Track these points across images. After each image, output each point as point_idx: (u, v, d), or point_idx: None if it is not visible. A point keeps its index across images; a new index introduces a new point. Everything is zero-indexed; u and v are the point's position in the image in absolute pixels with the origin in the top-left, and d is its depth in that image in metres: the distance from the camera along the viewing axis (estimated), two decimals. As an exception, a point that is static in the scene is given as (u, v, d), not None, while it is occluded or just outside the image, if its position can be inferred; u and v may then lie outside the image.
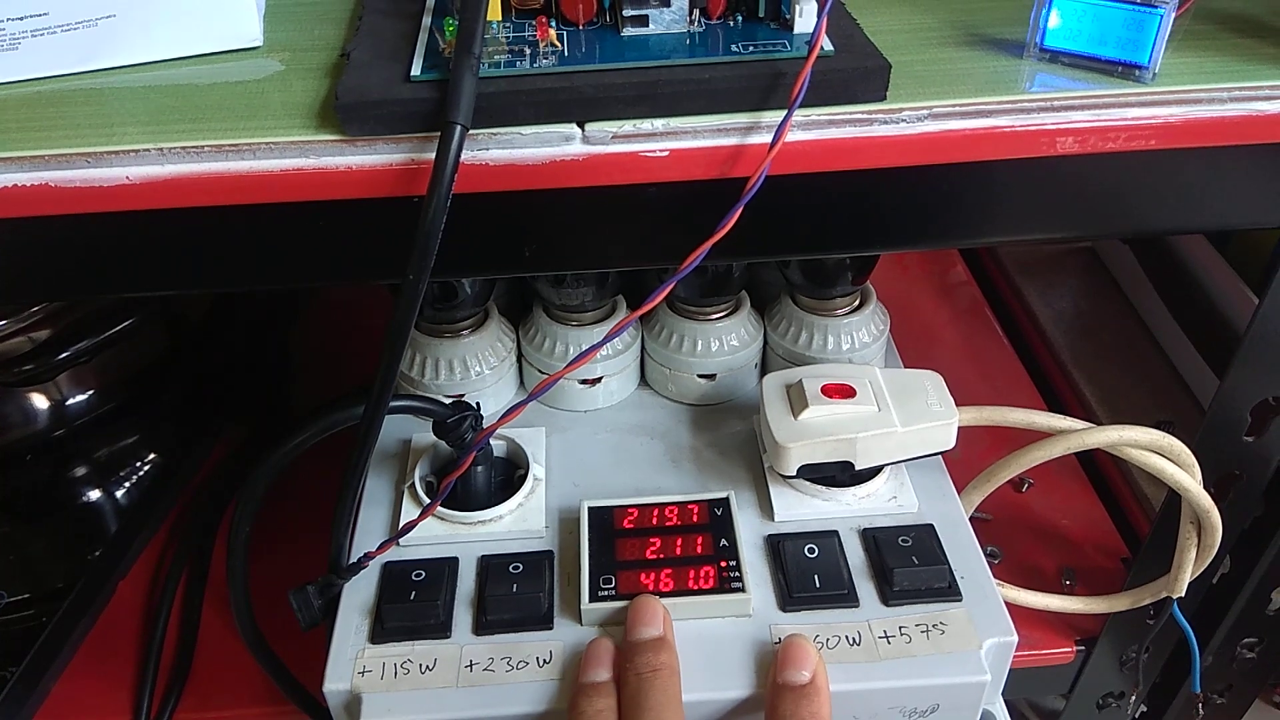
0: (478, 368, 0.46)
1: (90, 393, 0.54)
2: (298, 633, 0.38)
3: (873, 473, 0.42)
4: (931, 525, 0.41)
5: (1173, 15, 0.30)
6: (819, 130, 0.30)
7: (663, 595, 0.37)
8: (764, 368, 0.50)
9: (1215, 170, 0.32)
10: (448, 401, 0.40)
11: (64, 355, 0.52)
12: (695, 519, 0.40)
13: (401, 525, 0.39)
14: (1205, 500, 0.40)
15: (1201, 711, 0.53)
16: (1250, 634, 0.50)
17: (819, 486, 0.42)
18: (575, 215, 0.31)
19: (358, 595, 0.39)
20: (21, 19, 0.31)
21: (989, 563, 0.40)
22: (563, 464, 0.45)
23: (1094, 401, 0.59)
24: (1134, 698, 0.52)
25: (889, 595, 0.38)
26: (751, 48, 0.31)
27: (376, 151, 0.29)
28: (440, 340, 0.46)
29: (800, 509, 0.42)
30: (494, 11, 0.32)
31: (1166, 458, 0.40)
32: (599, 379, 0.48)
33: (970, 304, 0.69)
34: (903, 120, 0.30)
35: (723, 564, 0.39)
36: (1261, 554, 0.46)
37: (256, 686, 0.46)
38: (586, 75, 0.30)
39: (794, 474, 0.41)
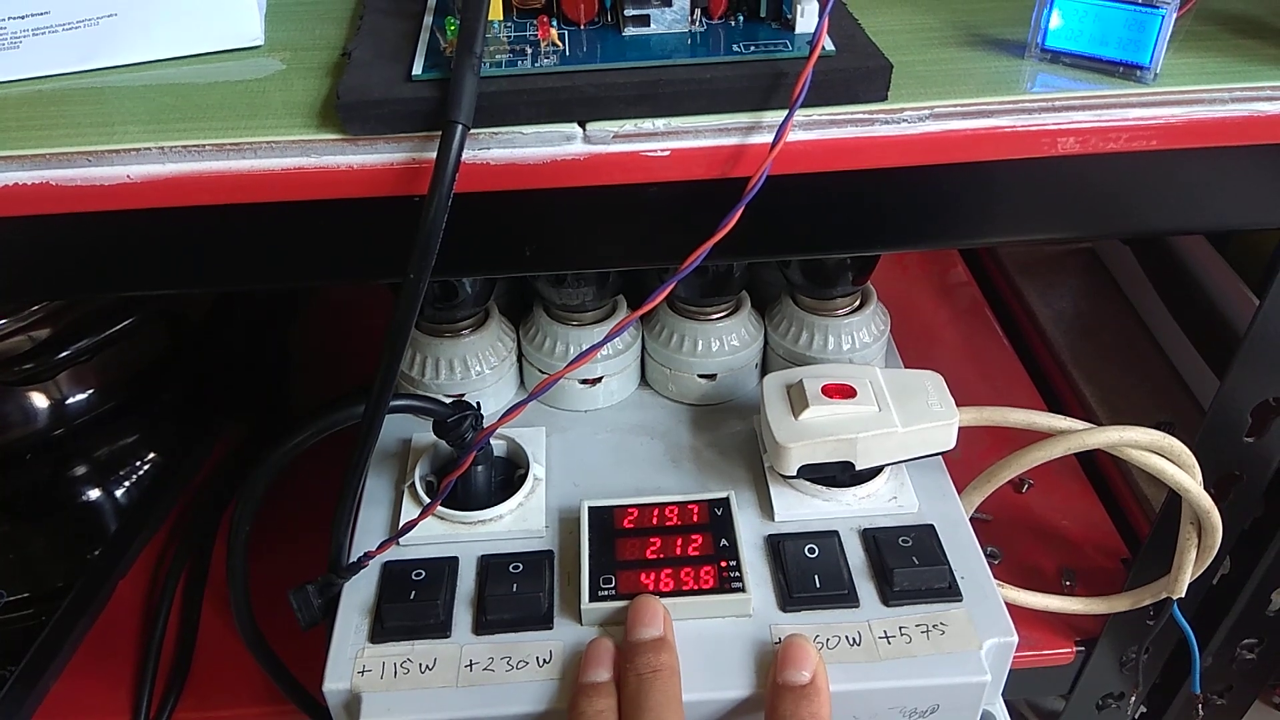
0: (478, 367, 0.46)
1: (90, 392, 0.54)
2: (297, 632, 0.38)
3: (873, 473, 0.42)
4: (932, 525, 0.41)
5: (1174, 16, 0.30)
6: (820, 130, 0.30)
7: (663, 595, 0.37)
8: (764, 368, 0.50)
9: (1216, 171, 0.32)
10: (448, 401, 0.40)
11: (64, 354, 0.52)
12: (695, 519, 0.40)
13: (401, 525, 0.39)
14: (1205, 501, 0.40)
15: (1201, 712, 0.53)
16: (1250, 635, 0.50)
17: (819, 486, 0.42)
18: (576, 215, 0.31)
19: (357, 595, 0.39)
20: (23, 18, 0.31)
21: (989, 563, 0.40)
22: (563, 464, 0.45)
23: (1094, 402, 0.59)
24: (1134, 698, 0.52)
25: (889, 595, 0.38)
26: (753, 47, 0.31)
27: (377, 151, 0.29)
28: (441, 340, 0.46)
29: (800, 509, 0.42)
30: (495, 11, 0.32)
31: (1167, 458, 0.40)
32: (599, 379, 0.48)
33: (970, 304, 0.69)
34: (904, 120, 0.30)
35: (723, 564, 0.39)
36: (1261, 555, 0.46)
37: (256, 686, 0.46)
38: (588, 75, 0.30)
39: (794, 474, 0.41)
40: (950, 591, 0.38)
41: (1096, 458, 0.57)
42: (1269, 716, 0.66)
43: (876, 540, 0.40)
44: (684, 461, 0.45)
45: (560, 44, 0.31)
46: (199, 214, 0.30)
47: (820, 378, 0.41)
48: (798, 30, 0.31)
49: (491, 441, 0.43)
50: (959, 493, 0.43)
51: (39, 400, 0.53)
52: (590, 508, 0.41)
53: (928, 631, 0.37)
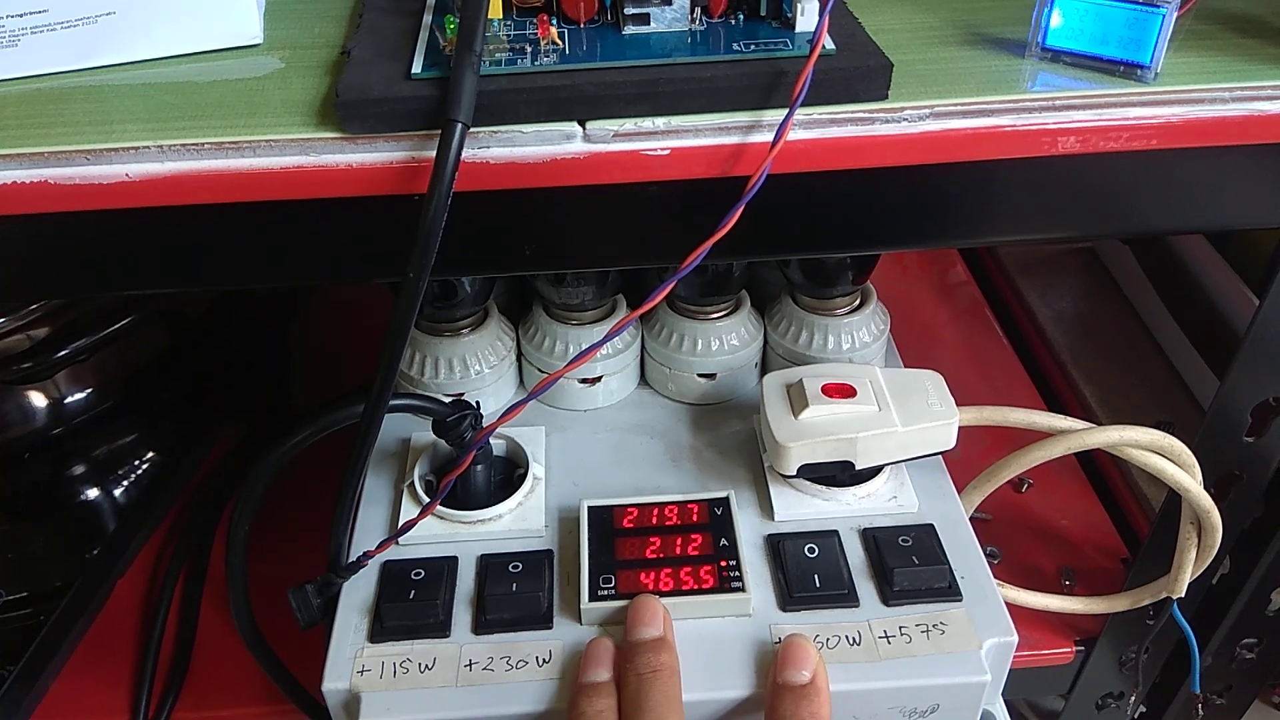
0: (477, 366, 0.46)
1: (89, 391, 0.54)
2: (296, 632, 0.38)
3: (873, 472, 0.42)
4: (932, 525, 0.41)
5: (1175, 15, 0.30)
6: (820, 129, 0.30)
7: (663, 595, 0.37)
8: (764, 367, 0.50)
9: (1217, 170, 0.32)
10: (447, 400, 0.40)
11: (63, 353, 0.52)
12: (695, 518, 0.40)
13: (401, 524, 0.39)
14: (1205, 500, 0.40)
15: (1201, 712, 0.53)
16: (1250, 634, 0.50)
17: (819, 486, 0.42)
18: (576, 214, 0.31)
19: (357, 594, 0.39)
20: (21, 16, 0.31)
21: (989, 563, 0.40)
22: (562, 463, 0.45)
23: (1094, 402, 0.59)
24: (1133, 698, 0.52)
25: (889, 595, 0.38)
26: (753, 46, 0.31)
27: (377, 149, 0.29)
28: (440, 339, 0.46)
29: (800, 509, 0.42)
30: (495, 9, 0.32)
31: (1167, 458, 0.40)
32: (599, 378, 0.48)
33: (970, 304, 0.69)
34: (904, 119, 0.30)
35: (723, 563, 0.39)
36: (1261, 554, 0.46)
37: (255, 685, 0.46)
38: (588, 73, 0.30)
39: (794, 473, 0.40)
40: (950, 591, 0.38)
41: (1096, 457, 0.57)
42: (1269, 716, 0.66)
43: (876, 540, 0.40)
44: (684, 461, 0.45)
45: (560, 42, 0.31)
46: (198, 213, 0.30)
47: (820, 377, 0.41)
48: (798, 29, 0.31)
49: (491, 441, 0.43)
50: (959, 492, 0.43)
51: (38, 399, 0.53)
52: (590, 507, 0.41)
53: (928, 631, 0.37)
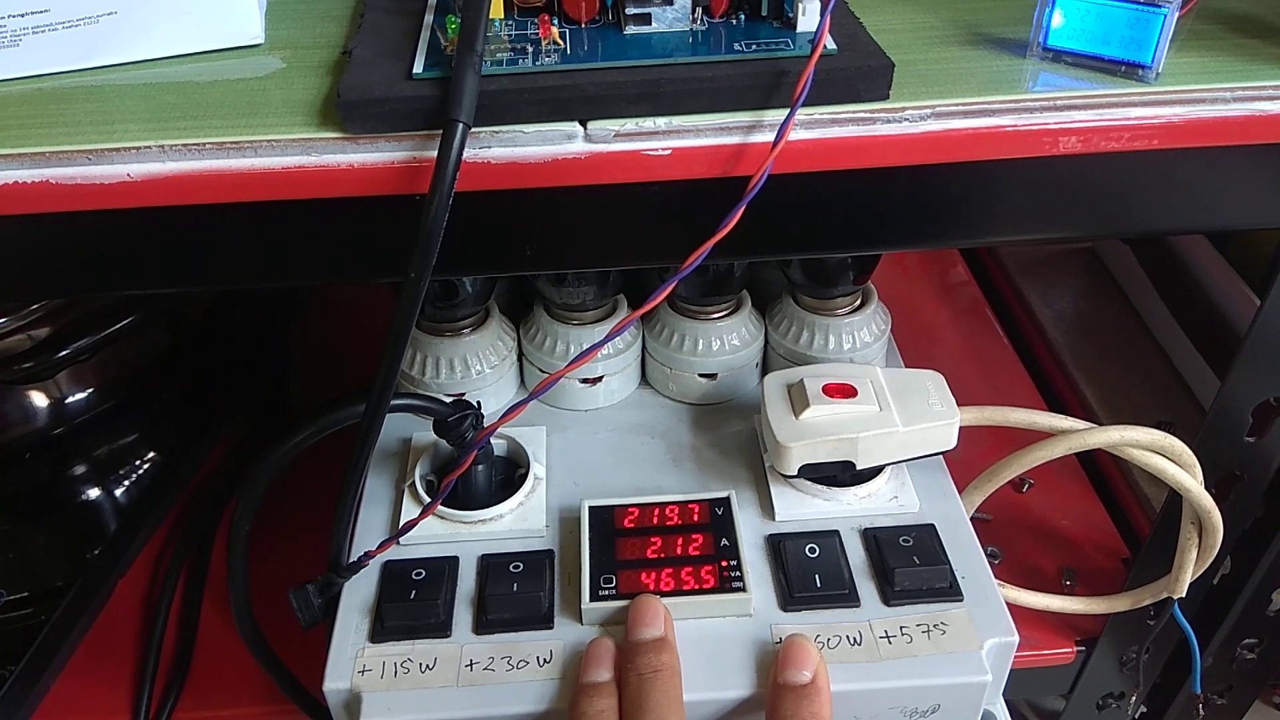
0: (478, 366, 0.46)
1: (90, 391, 0.54)
2: (297, 632, 0.38)
3: (874, 472, 0.42)
4: (932, 525, 0.41)
5: (1176, 15, 0.30)
6: (821, 129, 0.30)
7: (663, 595, 0.37)
8: (765, 367, 0.50)
9: (1218, 170, 0.32)
10: (448, 400, 0.40)
11: (64, 353, 0.52)
12: (696, 518, 0.40)
13: (402, 524, 0.39)
14: (1206, 501, 0.40)
15: (1202, 712, 0.53)
16: (1250, 635, 0.50)
17: (820, 486, 0.42)
18: (577, 214, 0.31)
19: (358, 594, 0.39)
20: (23, 16, 0.31)
21: (989, 563, 0.40)
22: (563, 463, 0.45)
23: (1094, 402, 0.59)
24: (1134, 698, 0.52)
25: (890, 595, 0.38)
26: (754, 46, 0.31)
27: (378, 149, 0.29)
28: (441, 339, 0.46)
29: (801, 509, 0.42)
30: (496, 9, 0.32)
31: (1168, 458, 0.40)
32: (600, 378, 0.48)
33: (971, 304, 0.69)
34: (906, 119, 0.30)
35: (723, 563, 0.39)
36: (1262, 555, 0.46)
37: (256, 685, 0.46)
38: (589, 73, 0.30)
39: (795, 473, 0.40)
40: (951, 591, 0.38)
41: (1097, 458, 0.57)
42: (1269, 716, 0.66)
43: (877, 540, 0.40)
44: (684, 461, 0.45)
45: (561, 42, 0.31)
46: (199, 213, 0.30)
47: (821, 377, 0.41)
48: (799, 29, 0.31)
49: (492, 441, 0.43)
50: (960, 492, 0.43)
51: (39, 399, 0.53)
52: (591, 507, 0.41)
53: (928, 631, 0.37)
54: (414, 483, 0.42)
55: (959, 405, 0.41)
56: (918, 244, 0.35)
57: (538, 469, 0.43)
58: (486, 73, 0.29)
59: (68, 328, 0.52)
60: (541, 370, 0.48)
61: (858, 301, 0.48)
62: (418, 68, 0.30)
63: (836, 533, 0.41)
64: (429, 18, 0.33)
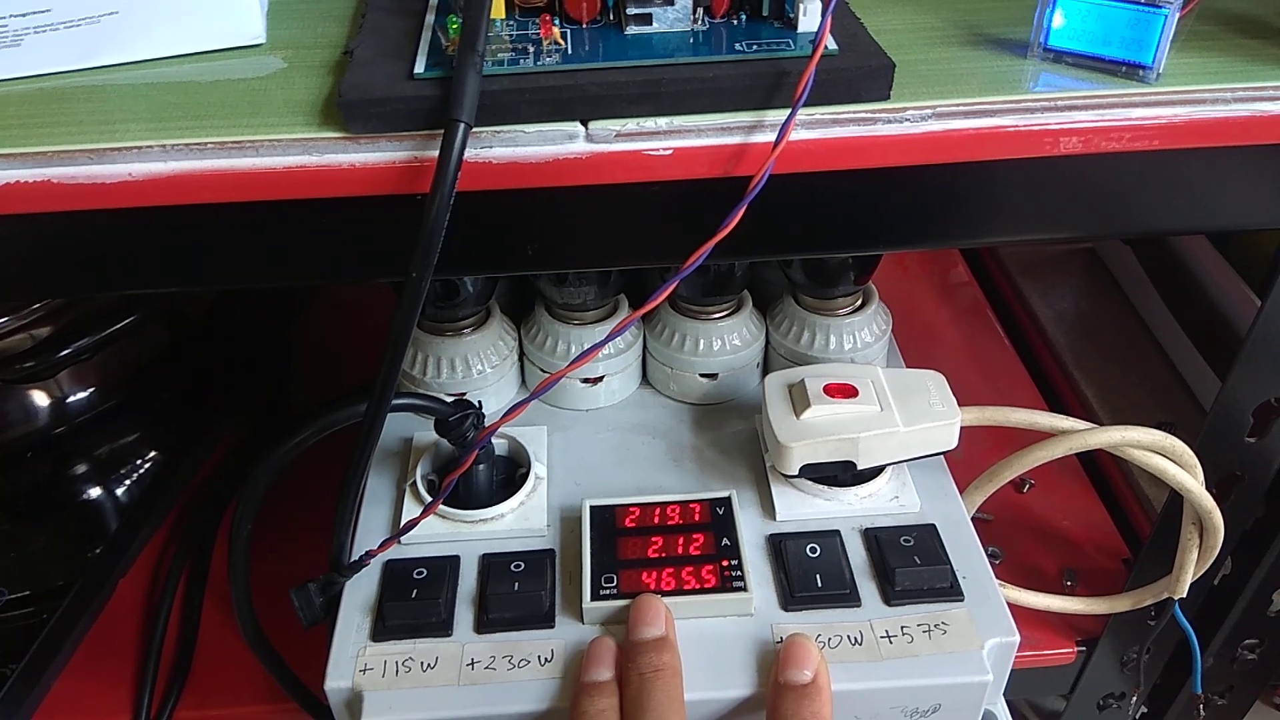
0: (479, 366, 0.46)
1: (91, 390, 0.54)
2: (299, 631, 0.38)
3: (875, 472, 0.42)
4: (933, 525, 0.41)
5: (1177, 15, 0.30)
6: (822, 129, 0.30)
7: (664, 594, 0.37)
8: (766, 367, 0.50)
9: (1218, 171, 0.32)
10: (449, 400, 0.40)
11: (65, 352, 0.52)
12: (697, 518, 0.40)
13: (403, 523, 0.39)
14: (1207, 501, 0.40)
15: (1202, 712, 0.53)
16: (1251, 635, 0.50)
17: (821, 486, 0.42)
18: (578, 214, 0.31)
19: (359, 593, 0.39)
20: (24, 15, 0.31)
21: (990, 563, 0.40)
22: (564, 463, 0.45)
23: (1095, 402, 0.59)
24: (1135, 698, 0.52)
25: (891, 595, 0.38)
26: (755, 46, 0.31)
27: (379, 149, 0.29)
28: (442, 339, 0.46)
29: (802, 508, 0.42)
30: (498, 9, 0.32)
31: (1168, 458, 0.40)
32: (601, 378, 0.48)
33: (972, 304, 0.69)
34: (906, 119, 0.30)
35: (724, 563, 0.39)
36: (1263, 555, 0.46)
37: (257, 684, 0.46)
38: (590, 73, 0.30)
39: (796, 473, 0.40)
40: (952, 591, 0.38)
41: (1098, 458, 0.57)
42: (1270, 717, 0.66)
43: (878, 540, 0.40)
44: (685, 461, 0.45)
45: (562, 42, 0.31)
46: (200, 212, 0.30)
47: (822, 377, 0.41)
48: (800, 29, 0.31)
49: (493, 440, 0.43)
50: (960, 492, 0.43)
51: (40, 398, 0.53)
52: (592, 507, 0.41)
53: (929, 631, 0.37)
54: (415, 482, 0.42)
55: (960, 405, 0.41)
56: (919, 244, 0.35)
57: (539, 468, 0.43)
58: (488, 73, 0.29)
59: (69, 327, 0.52)
60: (542, 370, 0.48)
61: (859, 302, 0.48)
62: (419, 68, 0.30)
63: (837, 532, 0.41)
64: (430, 18, 0.33)
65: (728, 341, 0.47)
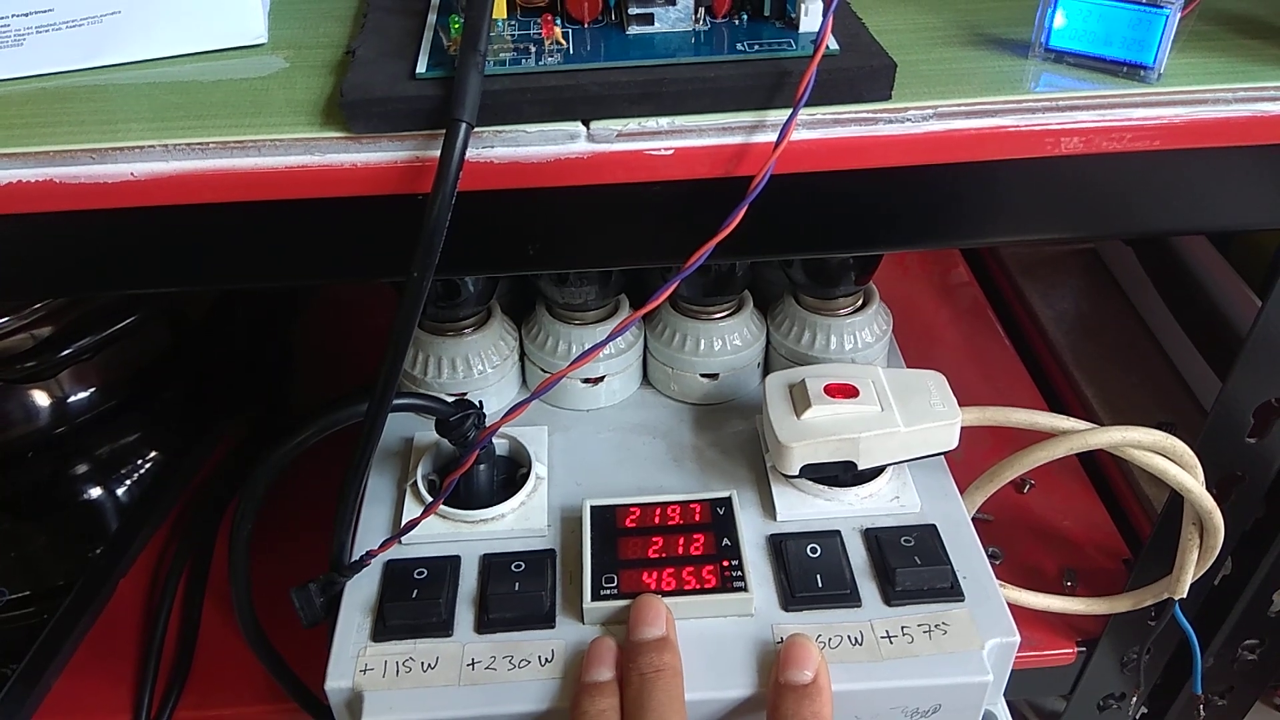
0: (480, 366, 0.46)
1: (92, 390, 0.54)
2: (299, 630, 0.38)
3: (875, 473, 0.42)
4: (934, 525, 0.41)
5: (1178, 16, 0.30)
6: (824, 129, 0.30)
7: (665, 594, 0.37)
8: (766, 367, 0.50)
9: (1219, 171, 0.32)
10: (450, 400, 0.40)
11: (66, 352, 0.52)
12: (697, 518, 0.40)
13: (404, 523, 0.39)
14: (1208, 501, 0.40)
15: (1202, 713, 0.53)
16: (1251, 635, 0.50)
17: (821, 486, 0.42)
18: (579, 213, 0.31)
19: (360, 593, 0.39)
20: (26, 15, 0.31)
21: (990, 563, 0.40)
22: (565, 463, 0.45)
23: (1095, 402, 0.59)
24: (1135, 699, 0.52)
25: (891, 595, 0.38)
26: (757, 46, 0.31)
27: (381, 149, 0.29)
28: (443, 338, 0.46)
29: (802, 509, 0.42)
30: (499, 9, 0.32)
31: (1169, 459, 0.40)
32: (601, 378, 0.48)
33: (972, 304, 0.69)
34: (908, 119, 0.30)
35: (725, 563, 0.39)
36: (1263, 555, 0.46)
37: (258, 684, 0.46)
38: (591, 73, 0.30)
39: (796, 473, 0.40)
40: (952, 591, 0.38)
41: (1098, 458, 0.57)
42: (1270, 717, 0.66)
43: (879, 540, 0.40)
44: (686, 461, 0.45)
45: (564, 42, 0.31)
46: (202, 212, 0.30)
47: (822, 377, 0.41)
48: (802, 29, 0.31)
49: (493, 440, 0.43)
50: (961, 493, 0.43)
51: (41, 398, 0.53)
52: (592, 507, 0.41)
53: (930, 631, 0.37)
54: (416, 482, 0.42)
55: (960, 405, 0.41)
56: (920, 244, 0.35)
57: (539, 468, 0.44)
58: (489, 72, 0.29)
59: (70, 327, 0.52)
60: (543, 370, 0.48)
61: (859, 302, 0.48)
62: (421, 67, 0.30)
63: (838, 533, 0.41)
64: (432, 17, 0.33)
65: (728, 341, 0.47)
